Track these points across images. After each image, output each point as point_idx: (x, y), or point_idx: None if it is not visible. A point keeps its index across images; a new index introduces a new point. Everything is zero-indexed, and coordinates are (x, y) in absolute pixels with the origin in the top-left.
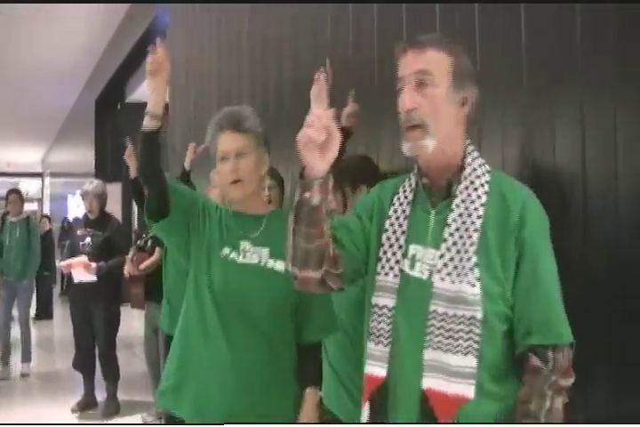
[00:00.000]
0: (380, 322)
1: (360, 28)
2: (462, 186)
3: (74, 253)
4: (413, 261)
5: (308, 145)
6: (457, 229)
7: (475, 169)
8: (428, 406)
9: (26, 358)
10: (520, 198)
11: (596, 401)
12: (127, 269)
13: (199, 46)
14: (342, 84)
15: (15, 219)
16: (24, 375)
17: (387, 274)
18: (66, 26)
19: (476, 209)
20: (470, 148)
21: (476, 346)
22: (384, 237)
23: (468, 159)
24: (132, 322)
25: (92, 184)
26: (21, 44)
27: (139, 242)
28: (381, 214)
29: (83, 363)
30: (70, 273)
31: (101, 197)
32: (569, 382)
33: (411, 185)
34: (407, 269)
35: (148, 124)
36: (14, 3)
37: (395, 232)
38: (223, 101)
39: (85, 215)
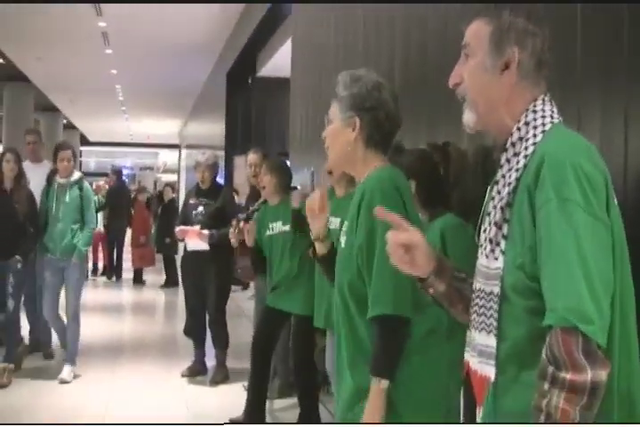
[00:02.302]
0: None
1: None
2: (505, 156)
3: (186, 221)
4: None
5: (393, 260)
6: (499, 201)
7: (524, 134)
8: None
9: (70, 359)
10: (541, 151)
11: None
12: (232, 238)
13: (321, 19)
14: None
15: (64, 181)
16: (63, 382)
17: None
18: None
19: (510, 177)
20: (530, 112)
21: (495, 324)
22: None
23: (520, 124)
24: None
25: (204, 155)
26: (156, 21)
27: (241, 215)
28: None
29: (193, 330)
30: (184, 240)
31: (213, 168)
32: (577, 377)
33: None
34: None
35: (318, 249)
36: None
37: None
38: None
39: (197, 185)
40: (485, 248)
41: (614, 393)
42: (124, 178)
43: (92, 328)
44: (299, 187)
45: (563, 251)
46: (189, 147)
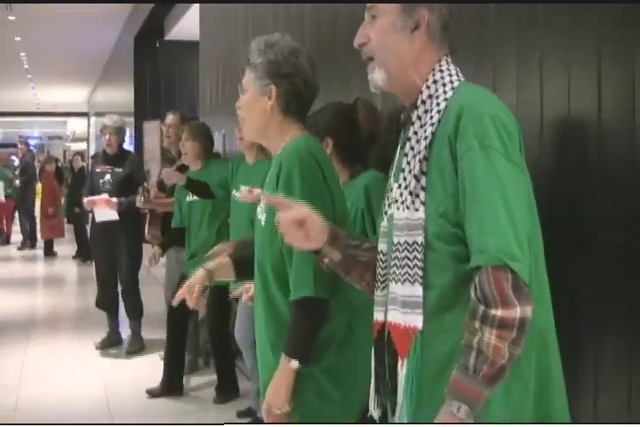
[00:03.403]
0: (378, 267)
1: None
2: (417, 112)
3: (93, 191)
4: (389, 199)
5: (288, 239)
6: (413, 157)
7: (433, 91)
8: (390, 339)
9: None
10: (458, 104)
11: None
12: (138, 202)
13: None
14: None
15: None
16: None
17: (382, 219)
18: None
19: (425, 131)
20: (437, 71)
21: (420, 273)
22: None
23: (429, 82)
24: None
25: (112, 119)
26: None
27: (147, 183)
28: None
29: (105, 301)
30: (92, 211)
31: (120, 131)
32: (507, 313)
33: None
34: (388, 210)
35: None
36: None
37: (389, 176)
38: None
39: (104, 151)
40: (404, 202)
41: (532, 330)
42: (31, 148)
43: (1, 303)
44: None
45: (487, 195)
46: (98, 114)
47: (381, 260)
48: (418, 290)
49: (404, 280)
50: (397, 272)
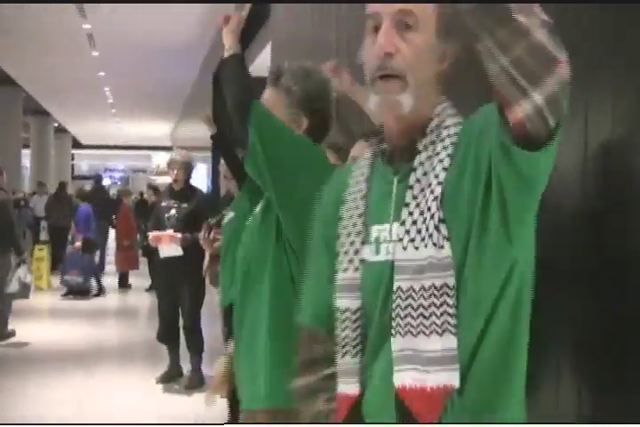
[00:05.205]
0: (346, 329)
1: None
2: (426, 140)
3: (158, 225)
4: (378, 244)
5: None
6: (421, 190)
7: (443, 120)
8: (405, 409)
9: None
10: (466, 123)
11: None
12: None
13: (298, 18)
14: None
15: None
16: None
17: (346, 270)
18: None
19: (440, 161)
20: (443, 102)
21: (452, 321)
22: (340, 227)
23: (437, 109)
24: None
25: (180, 153)
26: (141, 22)
27: (211, 220)
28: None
29: (166, 335)
30: (157, 247)
31: (187, 167)
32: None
33: (366, 158)
34: (370, 257)
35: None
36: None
37: (351, 217)
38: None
39: (170, 186)
40: (402, 240)
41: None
42: (115, 180)
43: (69, 332)
44: None
45: None
46: (181, 149)
47: (350, 319)
48: (451, 342)
49: (431, 332)
50: (416, 323)
